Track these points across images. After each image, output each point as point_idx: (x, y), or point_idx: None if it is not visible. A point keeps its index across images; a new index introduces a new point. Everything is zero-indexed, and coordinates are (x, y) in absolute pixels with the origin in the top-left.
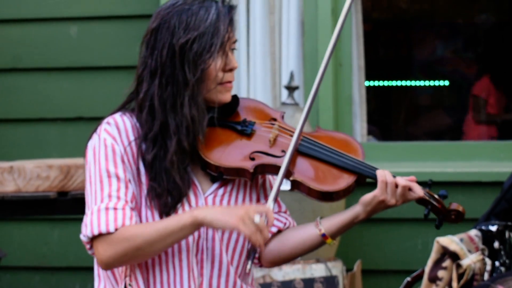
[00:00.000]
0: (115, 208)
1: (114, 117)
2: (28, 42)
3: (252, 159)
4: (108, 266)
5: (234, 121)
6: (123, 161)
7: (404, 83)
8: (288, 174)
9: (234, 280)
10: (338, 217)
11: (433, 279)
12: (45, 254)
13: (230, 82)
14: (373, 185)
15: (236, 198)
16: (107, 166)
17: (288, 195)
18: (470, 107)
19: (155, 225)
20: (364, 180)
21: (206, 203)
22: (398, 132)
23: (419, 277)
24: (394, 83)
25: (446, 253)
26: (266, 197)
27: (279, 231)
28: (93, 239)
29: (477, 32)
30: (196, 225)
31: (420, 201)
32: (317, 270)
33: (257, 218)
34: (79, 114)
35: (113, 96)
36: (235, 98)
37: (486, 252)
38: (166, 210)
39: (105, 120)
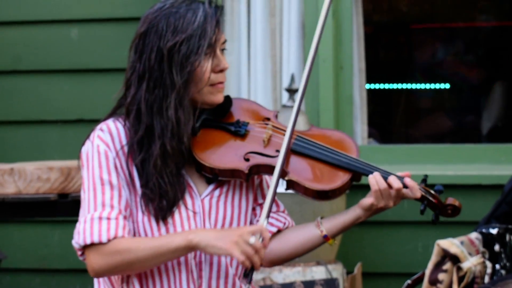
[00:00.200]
0: (108, 218)
1: (107, 123)
2: (29, 44)
3: (247, 159)
4: (98, 275)
5: (227, 122)
6: (116, 168)
7: (404, 86)
8: (283, 174)
9: (233, 281)
10: (340, 218)
11: (434, 281)
12: (46, 256)
13: (221, 83)
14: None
15: (233, 199)
16: (100, 173)
17: (288, 197)
18: None
19: (149, 243)
20: (360, 177)
21: (203, 205)
22: (398, 135)
23: (420, 280)
24: (394, 85)
25: (447, 256)
26: (263, 197)
27: (279, 231)
28: (85, 247)
29: (478, 35)
30: (190, 249)
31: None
32: (318, 273)
33: (252, 239)
34: (79, 116)
35: (113, 100)
36: (228, 99)
37: (487, 255)
38: (162, 214)
39: (98, 127)
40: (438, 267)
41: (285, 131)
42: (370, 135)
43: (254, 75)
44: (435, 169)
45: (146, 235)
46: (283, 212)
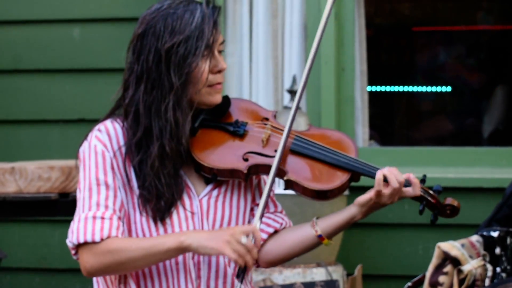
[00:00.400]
0: (102, 218)
1: (105, 124)
2: (31, 43)
3: (246, 159)
4: (91, 274)
5: (226, 122)
6: (112, 168)
7: (406, 88)
8: (281, 174)
9: (232, 281)
10: (334, 217)
11: (434, 284)
12: (46, 255)
13: (219, 83)
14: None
15: (231, 199)
16: (96, 173)
17: (289, 199)
18: None
19: (141, 243)
20: (359, 177)
21: (201, 205)
22: (399, 137)
23: (420, 282)
24: (396, 88)
25: (447, 258)
26: (261, 197)
27: (276, 232)
28: (78, 246)
29: (480, 38)
30: (181, 250)
31: (415, 197)
32: (318, 274)
33: (243, 239)
34: (80, 116)
35: (111, 101)
36: (226, 99)
37: (487, 258)
38: (160, 214)
39: (96, 127)
40: (438, 269)
41: (284, 131)
42: (371, 137)
43: (256, 76)
44: (436, 171)
45: (144, 236)
46: (281, 212)
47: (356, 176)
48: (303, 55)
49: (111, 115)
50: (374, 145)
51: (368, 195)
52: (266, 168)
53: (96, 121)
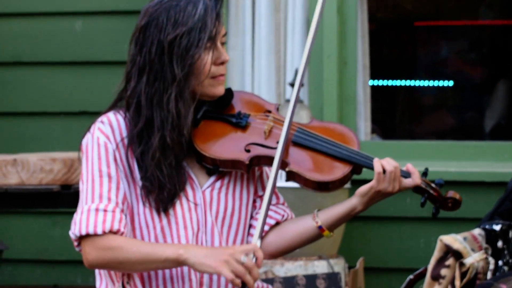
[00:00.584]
0: (105, 210)
1: (108, 116)
2: (33, 36)
3: (248, 151)
4: (92, 267)
5: (228, 114)
6: (115, 160)
7: (408, 83)
8: (283, 165)
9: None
10: (335, 209)
11: (436, 277)
12: (47, 247)
13: (222, 75)
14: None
15: (234, 191)
16: (99, 165)
17: (291, 192)
18: None
19: (141, 247)
20: (360, 169)
21: (204, 197)
22: (401, 132)
23: (422, 275)
24: (398, 82)
25: (449, 251)
26: (263, 189)
27: (277, 223)
28: (81, 238)
29: (482, 33)
30: (179, 263)
31: (417, 189)
32: (320, 267)
33: (243, 258)
34: (82, 108)
35: (113, 93)
36: (229, 91)
37: (490, 251)
38: (163, 205)
39: (99, 119)
40: (440, 262)
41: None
42: (373, 131)
43: (258, 70)
44: (438, 165)
45: (147, 227)
46: (283, 204)
47: (358, 169)
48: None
49: (113, 107)
50: (376, 139)
51: (369, 184)
52: (268, 160)
53: (98, 114)
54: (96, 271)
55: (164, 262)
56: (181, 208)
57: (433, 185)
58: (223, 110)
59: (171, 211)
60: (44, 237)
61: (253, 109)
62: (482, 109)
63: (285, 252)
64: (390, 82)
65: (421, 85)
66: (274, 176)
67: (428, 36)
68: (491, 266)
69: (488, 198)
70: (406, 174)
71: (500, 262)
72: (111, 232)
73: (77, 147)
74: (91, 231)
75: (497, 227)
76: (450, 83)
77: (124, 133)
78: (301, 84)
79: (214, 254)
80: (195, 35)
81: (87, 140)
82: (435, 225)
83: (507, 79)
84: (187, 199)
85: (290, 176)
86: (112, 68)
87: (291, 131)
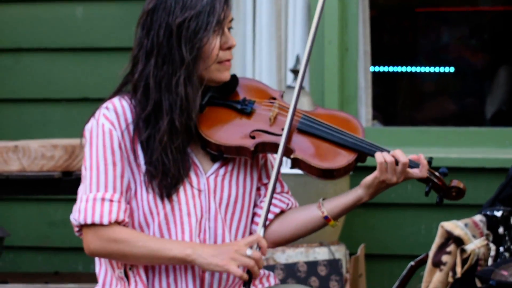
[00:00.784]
0: (111, 200)
1: (113, 102)
2: (34, 22)
3: (253, 137)
4: (93, 255)
5: (233, 100)
6: (120, 148)
7: (409, 69)
8: (288, 152)
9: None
10: (341, 199)
11: (437, 263)
12: (49, 234)
13: (229, 60)
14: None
15: (238, 177)
16: (104, 153)
17: (292, 179)
18: None
19: (148, 242)
20: (365, 157)
21: (208, 183)
22: (402, 118)
23: (423, 262)
24: (399, 68)
25: (451, 237)
26: (268, 177)
27: (282, 212)
28: (84, 225)
29: (483, 19)
30: (186, 263)
31: (421, 178)
32: (321, 254)
33: (249, 252)
34: (84, 95)
35: (118, 77)
36: (234, 78)
37: (491, 238)
38: (166, 191)
39: (104, 105)
40: (441, 249)
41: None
42: (374, 117)
43: (259, 56)
44: (440, 151)
45: (151, 213)
46: (287, 193)
47: (363, 157)
48: (306, 35)
49: (118, 91)
50: (377, 125)
51: (373, 174)
52: (272, 146)
53: (99, 100)
54: (96, 257)
55: (170, 260)
56: (184, 194)
57: (437, 174)
58: (228, 96)
59: (174, 198)
60: (45, 224)
61: (258, 95)
62: (483, 95)
63: (290, 241)
64: (391, 69)
65: (422, 71)
66: (278, 163)
67: (429, 22)
68: (492, 253)
69: (489, 185)
70: (414, 164)
71: (501, 248)
72: (117, 222)
73: (79, 134)
74: (97, 220)
75: (498, 213)
76: (451, 69)
77: (129, 119)
78: (304, 71)
79: (220, 252)
80: (203, 18)
81: (91, 126)
82: (436, 211)
83: (508, 65)
84: (191, 186)
85: (295, 163)
86: (113, 54)
87: (296, 118)
